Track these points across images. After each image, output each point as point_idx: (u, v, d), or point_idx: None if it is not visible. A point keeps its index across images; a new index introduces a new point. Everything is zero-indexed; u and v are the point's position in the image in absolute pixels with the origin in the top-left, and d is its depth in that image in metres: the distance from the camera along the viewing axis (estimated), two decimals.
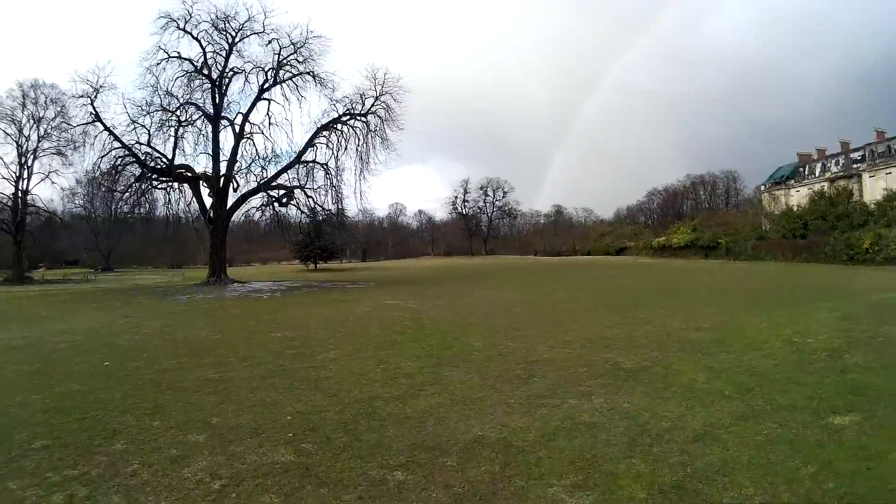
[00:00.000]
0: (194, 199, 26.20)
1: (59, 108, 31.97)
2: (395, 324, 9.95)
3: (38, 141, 33.57)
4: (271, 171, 26.30)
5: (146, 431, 4.42)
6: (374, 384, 5.60)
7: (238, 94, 29.33)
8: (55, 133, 33.77)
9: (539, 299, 14.11)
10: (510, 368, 6.04)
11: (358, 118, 25.20)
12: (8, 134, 33.62)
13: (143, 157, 24.64)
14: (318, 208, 25.52)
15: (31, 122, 33.52)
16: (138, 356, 7.85)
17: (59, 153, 34.12)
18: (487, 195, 74.88)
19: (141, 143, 24.77)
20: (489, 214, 75.67)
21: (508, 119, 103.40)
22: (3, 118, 33.27)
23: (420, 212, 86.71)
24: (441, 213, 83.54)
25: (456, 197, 75.08)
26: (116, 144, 24.43)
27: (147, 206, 25.81)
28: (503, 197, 74.63)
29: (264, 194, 26.22)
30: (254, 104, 26.01)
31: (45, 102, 33.57)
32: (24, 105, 31.99)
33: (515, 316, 10.65)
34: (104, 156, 24.13)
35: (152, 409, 5.09)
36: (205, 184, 25.85)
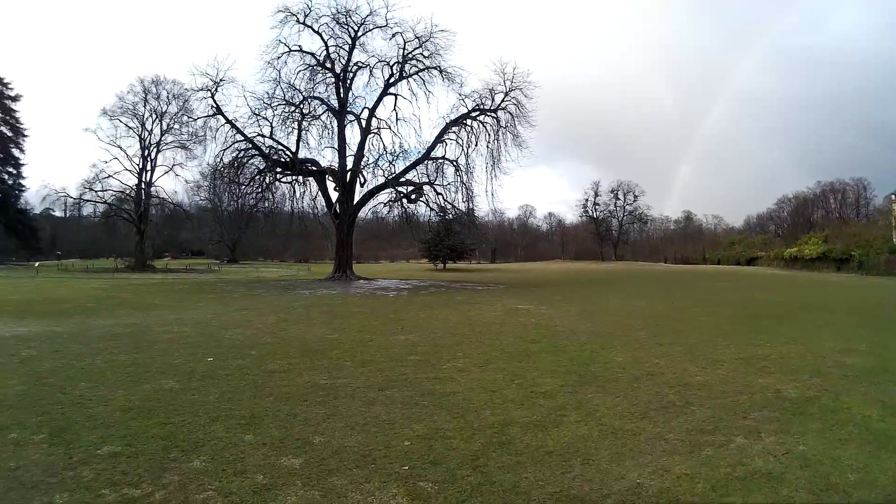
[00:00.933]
0: (320, 193, 37.63)
1: (181, 103, 48.53)
2: (528, 331, 13.45)
3: (161, 135, 52.48)
4: (399, 166, 37.46)
5: (233, 447, 5.63)
6: (507, 404, 7.17)
7: (363, 88, 41.50)
8: (178, 127, 51.89)
9: (677, 310, 19.19)
10: (662, 393, 7.82)
11: (488, 114, 35.07)
12: (130, 128, 52.43)
13: (266, 150, 35.83)
14: (448, 206, 35.89)
15: (154, 116, 52.40)
16: (245, 353, 10.72)
17: (183, 147, 52.19)
18: (618, 199, 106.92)
19: (263, 136, 36.22)
20: (619, 219, 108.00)
21: (634, 122, 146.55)
22: (126, 113, 52.02)
23: (550, 214, 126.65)
24: (570, 215, 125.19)
25: (586, 200, 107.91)
26: (239, 137, 35.85)
27: (272, 199, 37.55)
28: (634, 201, 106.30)
29: (392, 190, 37.34)
30: (380, 99, 37.00)
31: (168, 98, 51.74)
32: (145, 100, 51.87)
33: (656, 328, 14.28)
34: (226, 149, 35.73)
35: (247, 418, 6.58)
36: (331, 178, 36.93)
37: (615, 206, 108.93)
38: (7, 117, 58.62)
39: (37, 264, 48.04)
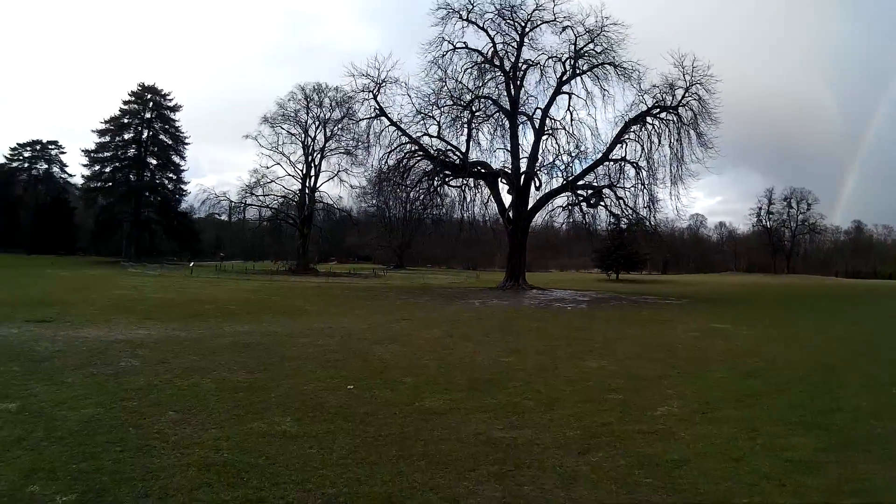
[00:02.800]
0: (491, 197, 38.74)
1: (344, 110, 53.16)
2: (738, 360, 12.26)
3: (325, 141, 57.86)
4: (576, 169, 38.47)
5: None
6: (763, 484, 5.39)
7: (534, 87, 40.44)
8: (341, 133, 57.06)
9: (889, 335, 18.48)
10: None
11: (669, 111, 35.73)
12: (292, 134, 57.89)
13: (433, 152, 37.86)
14: (630, 211, 37.02)
15: (317, 123, 57.88)
16: (397, 381, 9.22)
17: (348, 152, 56.71)
18: (791, 207, 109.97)
19: (431, 136, 38.18)
20: (792, 229, 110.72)
21: (799, 128, 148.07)
22: (288, 120, 57.42)
23: (721, 224, 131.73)
24: (739, 225, 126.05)
25: (759, 208, 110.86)
26: (404, 139, 38.05)
27: (440, 203, 39.51)
28: (807, 209, 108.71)
29: (569, 194, 38.25)
30: (553, 98, 38.21)
31: (330, 105, 56.85)
32: (307, 108, 57.57)
33: (884, 364, 12.66)
34: (391, 151, 37.92)
35: (382, 500, 4.76)
36: (503, 181, 38.24)
37: (787, 216, 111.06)
38: (167, 126, 68.14)
39: (191, 264, 52.33)
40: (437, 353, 11.86)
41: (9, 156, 73.07)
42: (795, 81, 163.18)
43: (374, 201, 47.86)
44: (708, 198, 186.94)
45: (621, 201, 36.66)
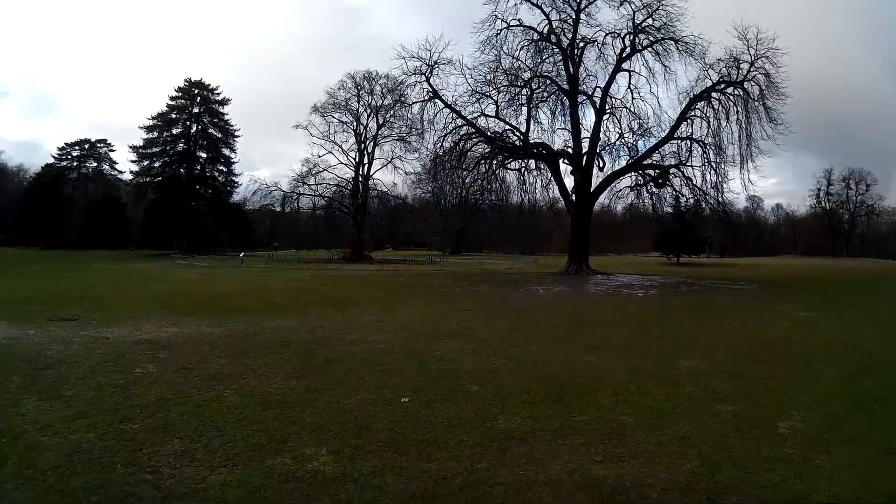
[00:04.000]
0: (552, 179, 38.34)
1: (396, 97, 52.42)
2: (841, 356, 10.86)
3: (378, 129, 58.24)
4: (640, 148, 38.02)
5: None
6: None
7: (593, 64, 39.63)
8: (394, 120, 57.08)
9: None
10: None
11: (735, 86, 35.00)
12: (344, 123, 58.35)
13: (490, 134, 37.43)
14: (698, 191, 36.58)
15: (368, 111, 58.22)
16: (461, 389, 7.76)
17: (401, 139, 57.14)
18: (850, 188, 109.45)
19: (488, 116, 37.70)
20: (851, 211, 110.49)
21: (852, 106, 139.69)
22: (338, 108, 57.91)
23: (777, 206, 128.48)
24: (795, 208, 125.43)
25: (819, 189, 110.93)
26: (460, 122, 37.67)
27: (498, 187, 39.67)
28: (866, 190, 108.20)
29: (634, 174, 37.97)
30: (613, 76, 37.58)
31: (382, 92, 57.00)
32: (358, 96, 58.04)
33: None
34: (446, 134, 37.52)
35: None
36: (566, 161, 37.77)
37: (846, 197, 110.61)
38: (216, 120, 68.73)
39: (242, 254, 51.96)
40: (505, 351, 10.36)
41: (57, 156, 74.87)
42: (849, 60, 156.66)
43: (430, 187, 47.57)
44: (762, 179, 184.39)
45: (689, 181, 36.13)
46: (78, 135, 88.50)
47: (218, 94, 68.04)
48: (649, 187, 37.41)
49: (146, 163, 66.23)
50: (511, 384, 7.91)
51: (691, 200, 37.64)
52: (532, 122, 37.36)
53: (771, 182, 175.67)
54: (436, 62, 36.71)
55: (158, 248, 63.06)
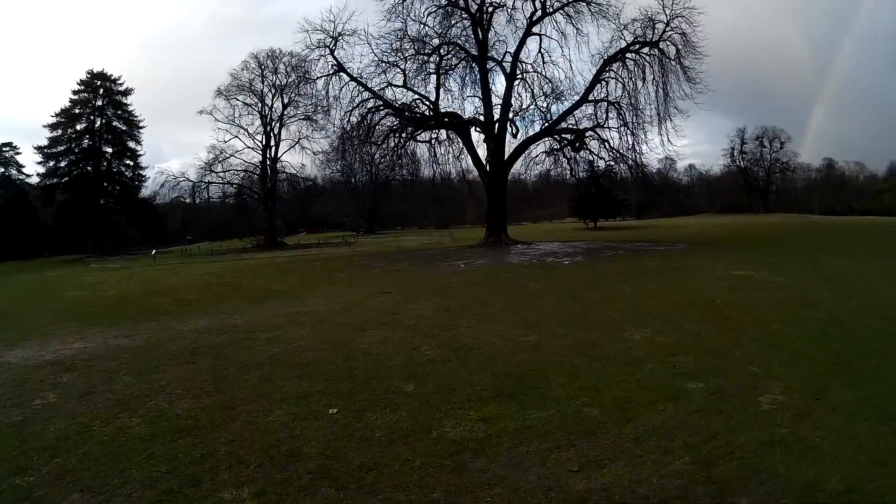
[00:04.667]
0: (464, 149, 37.28)
1: (301, 73, 49.25)
2: (796, 315, 10.57)
3: (283, 109, 55.26)
4: (554, 113, 37.11)
5: None
6: None
7: (503, 29, 38.59)
8: (300, 99, 54.18)
9: None
10: None
11: (650, 46, 34.13)
12: (248, 105, 54.99)
13: (399, 106, 36.10)
14: (615, 154, 36.15)
15: (273, 91, 55.12)
16: (397, 390, 6.94)
17: (307, 118, 54.36)
18: (764, 146, 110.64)
19: (396, 87, 36.18)
20: (766, 168, 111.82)
21: (765, 67, 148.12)
22: (242, 91, 54.59)
23: (691, 166, 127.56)
24: (709, 167, 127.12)
25: (732, 148, 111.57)
26: (366, 94, 36.14)
27: (409, 162, 38.31)
28: (780, 148, 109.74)
29: (549, 139, 37.28)
30: (523, 40, 36.24)
31: (286, 71, 53.81)
32: (262, 76, 54.82)
33: None
34: (353, 108, 36.01)
35: None
36: (478, 129, 36.65)
37: (761, 155, 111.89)
38: (119, 112, 63.98)
39: (153, 252, 49.13)
40: (436, 337, 9.52)
41: None
42: (758, 17, 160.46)
43: (339, 166, 46.80)
44: (680, 139, 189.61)
45: (606, 143, 35.54)
46: None
47: (120, 84, 63.51)
48: (566, 151, 36.94)
49: (52, 163, 61.35)
50: (450, 378, 7.14)
51: (609, 163, 37.55)
52: (441, 90, 36.41)
53: (684, 143, 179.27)
54: (340, 34, 35.26)
55: (73, 252, 58.56)
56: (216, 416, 6.15)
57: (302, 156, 59.12)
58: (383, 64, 35.33)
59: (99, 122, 62.69)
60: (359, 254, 35.80)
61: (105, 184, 63.05)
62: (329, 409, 6.10)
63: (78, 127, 62.18)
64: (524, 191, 62.55)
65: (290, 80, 53.69)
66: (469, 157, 37.00)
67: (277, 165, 56.57)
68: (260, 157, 56.04)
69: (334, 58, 35.50)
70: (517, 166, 38.69)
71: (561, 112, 36.31)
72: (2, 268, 47.02)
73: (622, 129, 34.89)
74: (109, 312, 15.42)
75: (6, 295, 23.93)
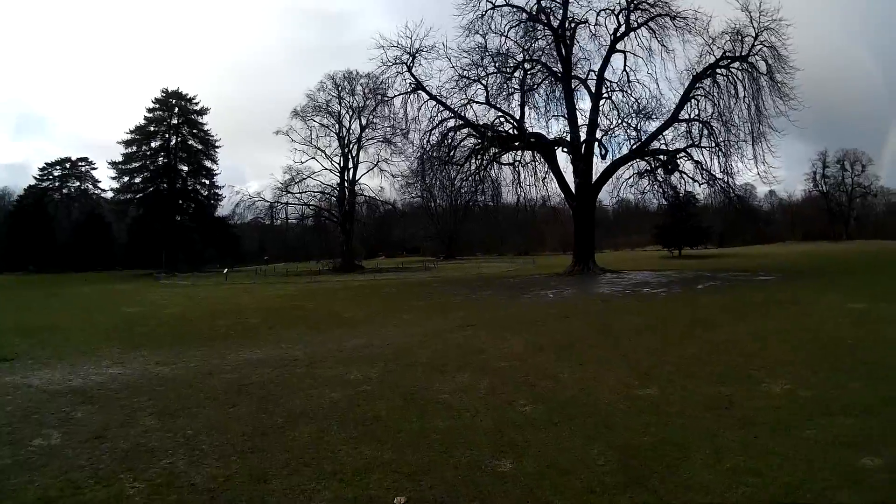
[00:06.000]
0: (550, 171, 35.95)
1: (378, 95, 48.54)
2: None
3: (361, 130, 54.96)
4: (641, 133, 35.79)
5: None
6: None
7: (586, 44, 37.85)
8: (378, 121, 53.49)
9: None
10: None
11: (740, 61, 33.19)
12: (325, 126, 54.98)
13: (480, 125, 35.23)
14: (708, 175, 34.55)
15: (351, 112, 55.09)
16: (489, 466, 5.23)
17: (386, 141, 53.79)
18: (845, 169, 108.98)
19: (478, 103, 35.25)
20: (848, 192, 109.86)
21: (838, 89, 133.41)
22: (319, 112, 54.59)
23: (771, 192, 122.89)
24: (786, 193, 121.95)
25: (814, 172, 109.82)
26: (446, 113, 35.45)
27: (492, 184, 36.79)
28: (862, 171, 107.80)
29: (636, 162, 35.89)
30: (607, 58, 35.54)
31: (364, 92, 53.53)
32: (339, 97, 54.87)
33: None
34: (433, 128, 35.34)
35: None
36: (565, 150, 35.70)
37: (842, 179, 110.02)
38: (195, 131, 66.09)
39: (225, 270, 49.67)
40: (533, 387, 7.77)
41: (38, 176, 71.94)
42: (833, 43, 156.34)
43: (418, 189, 46.13)
44: (749, 168, 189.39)
45: (700, 165, 33.89)
46: (66, 153, 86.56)
47: (196, 103, 65.63)
48: (658, 174, 35.31)
49: (126, 179, 63.86)
50: (558, 451, 5.37)
51: (703, 185, 35.36)
52: (526, 106, 35.16)
53: (778, 165, 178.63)
54: (417, 50, 34.59)
55: (145, 267, 60.26)
56: (242, 490, 4.64)
57: (381, 179, 58.96)
58: (464, 80, 34.50)
59: (174, 140, 64.71)
60: (438, 280, 34.85)
61: (180, 201, 64.76)
62: (395, 498, 4.45)
63: (153, 144, 64.35)
64: (605, 218, 61.55)
65: (367, 101, 53.41)
66: (554, 180, 35.85)
67: (356, 188, 56.37)
68: (338, 179, 55.98)
69: (412, 75, 34.98)
70: (599, 192, 37.74)
71: (650, 133, 35.15)
72: (72, 279, 48.80)
73: (714, 149, 33.60)
74: (160, 334, 14.72)
75: (63, 307, 23.91)
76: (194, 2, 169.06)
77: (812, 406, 6.68)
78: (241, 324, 15.93)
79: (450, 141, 34.88)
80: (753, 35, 31.85)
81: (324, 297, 24.41)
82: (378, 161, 54.85)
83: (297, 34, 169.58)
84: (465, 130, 34.95)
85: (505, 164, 36.24)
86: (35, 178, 72.05)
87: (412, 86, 35.04)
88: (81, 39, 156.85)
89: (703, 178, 34.22)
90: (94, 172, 74.29)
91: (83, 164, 73.71)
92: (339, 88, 54.23)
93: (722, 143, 33.08)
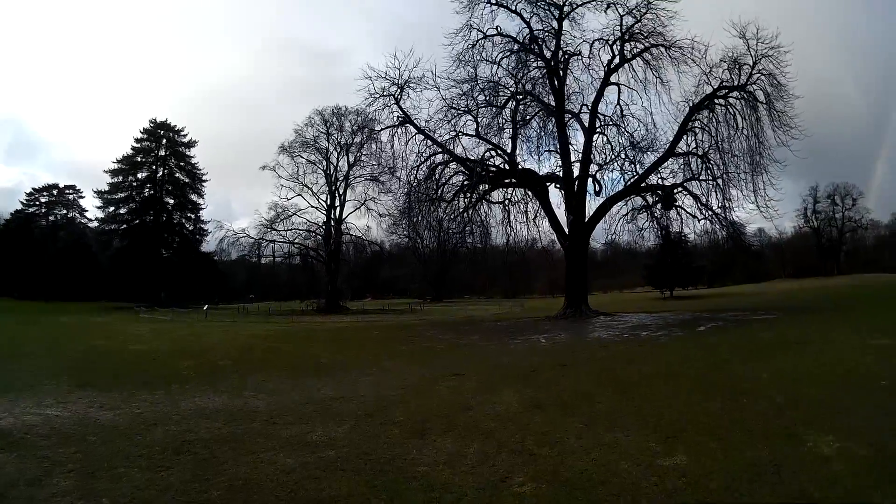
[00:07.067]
0: (540, 210, 35.05)
1: (366, 131, 48.68)
2: None
3: (349, 168, 54.80)
4: (636, 169, 35.19)
5: None
6: None
7: (580, 75, 37.28)
8: (366, 159, 53.40)
9: None
10: None
11: (738, 91, 32.51)
12: (312, 163, 54.83)
13: (468, 163, 34.27)
14: (709, 212, 33.35)
15: (338, 149, 54.88)
16: None
17: (374, 179, 53.14)
18: (836, 204, 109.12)
19: (468, 135, 34.56)
20: (839, 227, 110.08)
21: (824, 125, 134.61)
22: (307, 148, 54.52)
23: (760, 230, 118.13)
24: (782, 230, 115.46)
25: (805, 207, 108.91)
26: (435, 148, 34.54)
27: (481, 223, 35.62)
28: (853, 205, 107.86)
29: (632, 198, 35.07)
30: (601, 91, 34.78)
31: (352, 129, 53.51)
32: (327, 133, 54.75)
33: None
34: (421, 163, 34.41)
35: None
36: (557, 185, 34.80)
37: (833, 213, 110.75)
38: (182, 163, 65.85)
39: (205, 307, 48.05)
40: (533, 457, 6.41)
41: (25, 201, 70.77)
42: (819, 74, 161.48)
43: (405, 227, 44.58)
44: (749, 201, 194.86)
45: (698, 200, 32.76)
46: (57, 179, 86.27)
47: (184, 135, 65.35)
48: (655, 210, 34.25)
49: (112, 209, 63.11)
50: None
51: (703, 221, 34.06)
52: (518, 140, 34.69)
53: (779, 199, 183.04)
54: (406, 82, 33.94)
55: (129, 299, 58.94)
56: None
57: (368, 218, 58.40)
58: (453, 111, 33.77)
59: (161, 172, 64.41)
60: (424, 323, 33.32)
61: (165, 234, 64.10)
62: None
63: (139, 175, 64.10)
64: (592, 259, 60.71)
65: (355, 139, 53.06)
66: (546, 219, 34.77)
67: (342, 227, 55.82)
68: (324, 217, 55.45)
69: (399, 108, 34.24)
70: (593, 231, 36.68)
71: (645, 168, 34.34)
72: (53, 307, 47.55)
73: (712, 182, 32.64)
74: (118, 371, 13.65)
75: (31, 337, 23.08)
76: (188, 34, 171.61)
77: (877, 471, 5.67)
78: (208, 364, 14.67)
79: (437, 177, 34.10)
80: (751, 63, 31.49)
81: (302, 339, 23.21)
82: (365, 200, 54.47)
83: (290, 70, 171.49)
84: (454, 166, 34.15)
85: (494, 203, 35.39)
86: (22, 202, 71.02)
87: (400, 119, 34.44)
88: (76, 69, 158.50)
89: (702, 213, 33.24)
90: (81, 201, 73.16)
91: (70, 191, 72.75)
92: (328, 124, 54.18)
93: (720, 177, 32.36)
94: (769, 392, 9.22)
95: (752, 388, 9.58)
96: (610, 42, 33.51)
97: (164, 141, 64.46)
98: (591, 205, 34.21)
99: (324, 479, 5.75)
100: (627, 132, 34.27)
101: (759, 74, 31.26)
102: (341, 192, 55.07)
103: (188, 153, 65.64)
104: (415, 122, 34.38)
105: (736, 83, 31.86)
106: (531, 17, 33.97)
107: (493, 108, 34.29)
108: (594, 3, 33.45)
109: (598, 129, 34.52)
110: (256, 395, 10.43)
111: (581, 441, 6.91)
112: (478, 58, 33.69)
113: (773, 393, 9.13)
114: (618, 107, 34.33)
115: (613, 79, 34.12)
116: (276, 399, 10.00)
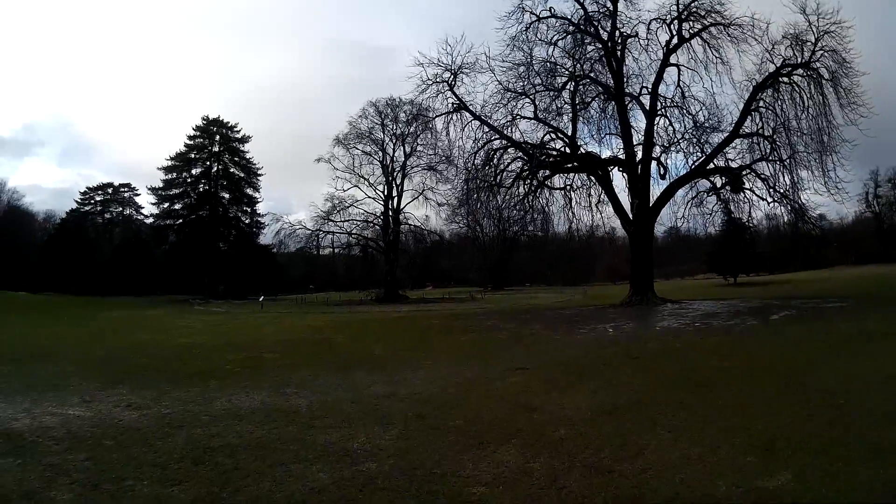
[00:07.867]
0: (603, 195, 34.10)
1: (421, 121, 48.34)
2: None
3: (406, 158, 54.97)
4: (700, 151, 34.09)
5: None
6: None
7: (638, 55, 35.94)
8: (422, 149, 53.76)
9: None
10: None
11: (802, 68, 31.21)
12: (367, 153, 55.32)
13: (527, 148, 33.53)
14: (778, 194, 32.27)
15: (394, 140, 55.12)
16: None
17: (431, 168, 53.60)
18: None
19: (525, 118, 33.80)
20: None
21: (874, 102, 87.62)
22: (362, 139, 54.90)
23: (821, 216, 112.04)
24: (840, 217, 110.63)
25: (867, 192, 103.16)
26: (492, 134, 33.84)
27: (542, 209, 34.94)
28: None
29: (696, 182, 34.19)
30: (660, 72, 33.64)
31: (407, 119, 53.38)
32: (382, 124, 54.91)
33: None
34: (478, 150, 33.75)
35: None
36: (621, 169, 34.02)
37: (894, 197, 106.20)
38: (237, 158, 66.97)
39: (261, 298, 48.78)
40: (608, 472, 5.36)
41: (80, 200, 73.48)
42: (871, 62, 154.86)
43: (464, 218, 43.66)
44: (819, 182, 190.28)
45: (767, 182, 31.85)
46: (111, 179, 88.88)
47: (238, 131, 66.41)
48: (723, 193, 33.34)
49: (166, 205, 64.58)
50: None
51: (773, 204, 33.10)
52: (579, 122, 33.68)
53: (849, 181, 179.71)
54: (459, 67, 33.27)
55: (186, 293, 60.63)
56: None
57: (426, 207, 58.38)
58: (509, 93, 33.01)
59: (215, 168, 65.52)
60: (485, 310, 32.62)
61: (221, 228, 65.34)
62: None
63: (194, 171, 65.33)
64: (653, 246, 61.20)
65: (410, 128, 53.08)
66: (609, 205, 33.90)
67: (400, 217, 56.02)
68: (381, 208, 55.76)
69: (454, 93, 33.70)
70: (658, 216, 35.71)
71: (710, 150, 33.27)
72: (108, 302, 48.49)
73: (779, 164, 31.76)
74: (154, 366, 13.19)
75: (77, 331, 23.26)
76: (241, 35, 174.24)
77: None
78: (253, 359, 14.13)
79: (495, 163, 33.46)
80: (813, 40, 30.24)
81: (356, 330, 22.61)
82: (423, 189, 54.56)
83: (342, 69, 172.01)
84: (512, 151, 33.48)
85: (555, 189, 34.63)
86: (76, 202, 73.72)
87: (454, 105, 33.86)
88: (128, 70, 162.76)
89: (771, 196, 32.29)
90: (136, 199, 75.97)
91: (125, 189, 75.69)
92: (382, 115, 54.16)
93: (789, 158, 31.34)
94: (873, 395, 8.11)
95: (849, 391, 8.45)
96: (667, 21, 32.61)
97: (218, 137, 65.60)
98: (656, 189, 33.36)
99: (359, 501, 4.82)
100: (690, 114, 33.27)
101: (822, 51, 30.13)
102: (398, 182, 55.21)
103: (242, 148, 66.78)
104: (470, 107, 33.78)
105: (799, 61, 30.77)
106: None
107: (552, 92, 33.29)
108: None
109: (660, 111, 33.66)
110: (299, 393, 9.70)
111: (665, 454, 5.84)
112: (533, 38, 32.82)
113: (877, 396, 8.01)
114: (678, 88, 33.44)
115: (672, 59, 33.14)
116: (319, 397, 9.23)
